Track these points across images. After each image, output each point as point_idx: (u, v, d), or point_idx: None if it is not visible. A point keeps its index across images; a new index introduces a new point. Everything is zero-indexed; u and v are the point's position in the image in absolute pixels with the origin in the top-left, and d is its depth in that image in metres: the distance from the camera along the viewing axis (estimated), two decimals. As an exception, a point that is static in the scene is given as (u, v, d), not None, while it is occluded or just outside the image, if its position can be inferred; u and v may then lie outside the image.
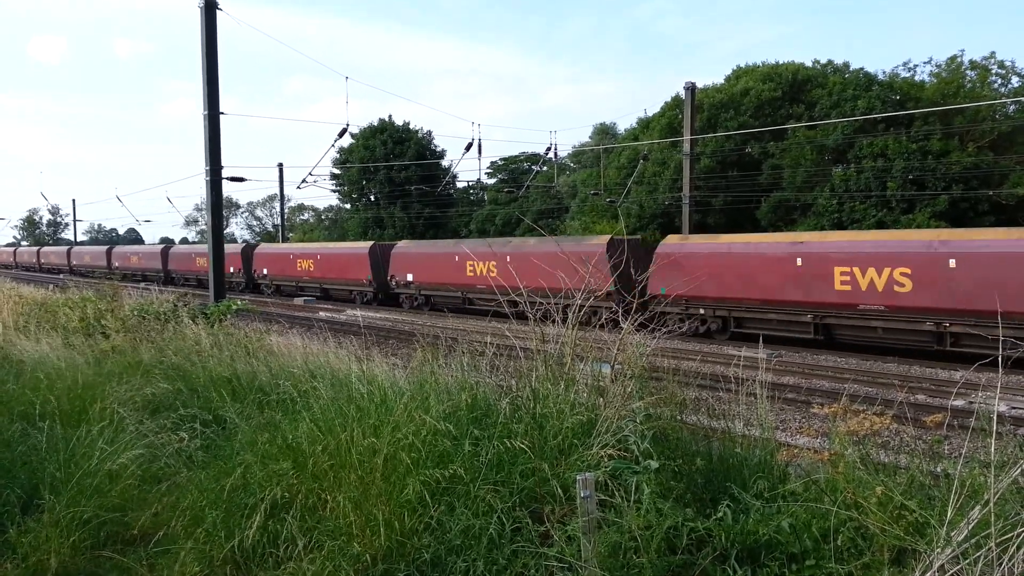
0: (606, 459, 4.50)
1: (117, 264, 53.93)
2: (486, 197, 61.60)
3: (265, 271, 40.41)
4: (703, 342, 20.66)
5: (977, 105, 30.51)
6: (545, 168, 55.13)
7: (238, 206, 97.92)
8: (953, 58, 35.14)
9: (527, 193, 50.72)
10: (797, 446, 7.12)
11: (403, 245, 33.99)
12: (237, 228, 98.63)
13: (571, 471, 4.48)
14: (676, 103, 38.96)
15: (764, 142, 35.39)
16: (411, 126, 58.62)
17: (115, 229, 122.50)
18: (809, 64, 38.17)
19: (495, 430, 4.96)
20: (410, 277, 31.20)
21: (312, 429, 5.45)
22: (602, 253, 21.55)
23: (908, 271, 17.28)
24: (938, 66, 35.80)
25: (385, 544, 4.38)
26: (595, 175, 43.29)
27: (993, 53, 42.53)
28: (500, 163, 64.28)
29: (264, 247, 44.46)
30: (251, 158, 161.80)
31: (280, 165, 50.45)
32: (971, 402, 11.04)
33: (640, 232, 36.31)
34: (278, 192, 56.94)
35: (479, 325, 17.15)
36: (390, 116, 58.58)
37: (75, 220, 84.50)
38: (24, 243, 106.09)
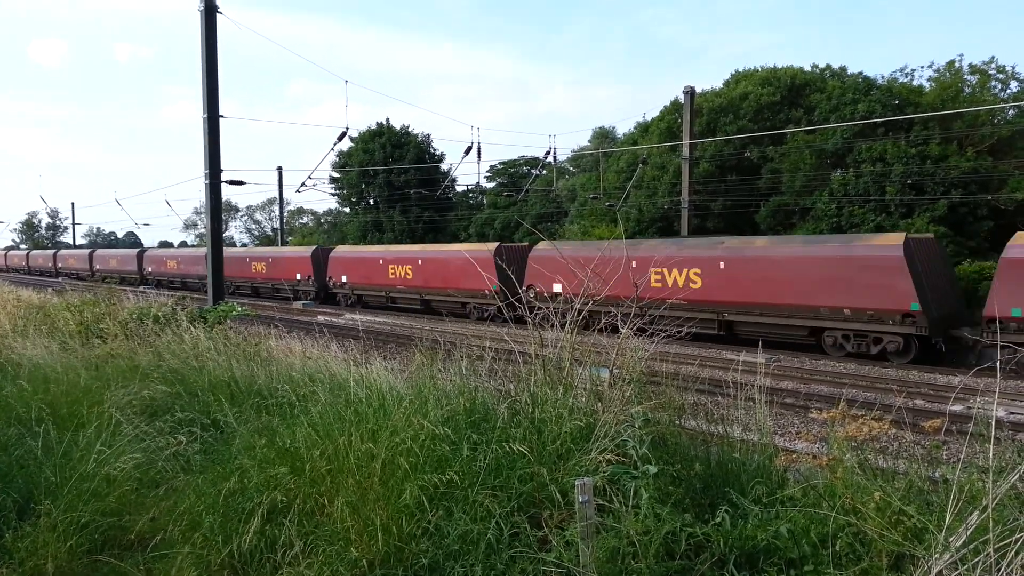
0: (604, 464, 4.49)
1: (98, 267, 57.97)
2: (485, 201, 61.58)
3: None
4: (702, 346, 20.70)
5: (976, 110, 30.54)
6: (544, 172, 55.20)
7: (237, 209, 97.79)
8: (952, 63, 35.21)
9: (526, 197, 50.75)
10: (795, 451, 7.13)
11: (339, 249, 38.39)
12: (236, 232, 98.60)
13: (569, 476, 4.47)
14: (675, 107, 38.99)
15: (763, 146, 35.43)
16: (410, 130, 58.67)
17: (114, 232, 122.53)
18: (807, 69, 38.25)
19: (493, 435, 4.95)
20: (344, 278, 35.46)
21: (310, 433, 5.44)
22: (490, 258, 25.77)
23: (699, 271, 21.45)
24: (937, 71, 35.87)
25: (383, 549, 4.38)
26: (594, 179, 43.31)
27: (993, 58, 42.73)
28: (499, 167, 64.35)
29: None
30: (251, 161, 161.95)
31: (279, 169, 50.51)
32: (969, 407, 11.05)
33: (638, 236, 36.37)
34: (277, 195, 57.01)
35: (477, 329, 17.12)
36: (389, 120, 58.62)
37: (74, 223, 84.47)
38: (23, 247, 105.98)
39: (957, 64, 35.07)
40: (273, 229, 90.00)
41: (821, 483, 4.26)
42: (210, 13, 16.64)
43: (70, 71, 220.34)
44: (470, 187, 62.22)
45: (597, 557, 3.84)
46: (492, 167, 64.45)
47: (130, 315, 12.00)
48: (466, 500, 4.49)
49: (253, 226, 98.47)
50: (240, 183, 23.21)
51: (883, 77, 36.15)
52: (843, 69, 37.61)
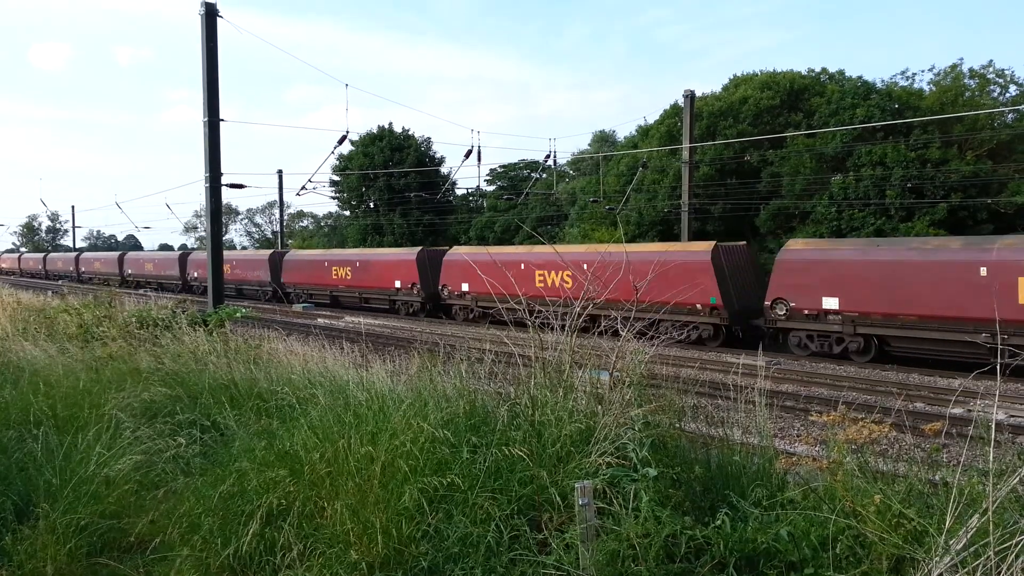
0: (604, 467, 4.48)
1: (84, 269, 61.59)
2: (485, 204, 61.56)
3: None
4: (701, 349, 20.72)
5: (976, 114, 30.55)
6: (544, 175, 55.27)
7: (237, 212, 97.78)
8: (953, 66, 35.24)
9: (526, 200, 50.73)
10: (796, 454, 7.12)
11: (292, 253, 41.93)
12: (236, 235, 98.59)
13: (569, 479, 4.47)
14: (675, 111, 39.04)
15: (763, 150, 35.45)
16: (410, 133, 58.72)
17: (114, 235, 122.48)
18: (805, 72, 38.30)
19: (493, 437, 4.95)
20: (297, 279, 39.43)
21: (309, 436, 5.44)
22: (412, 262, 31.19)
23: (570, 274, 23.11)
24: (937, 75, 35.91)
25: (383, 552, 4.37)
26: (594, 182, 43.32)
27: (992, 61, 42.75)
28: (499, 170, 64.31)
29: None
30: (251, 165, 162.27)
31: (280, 172, 50.53)
32: (969, 410, 11.04)
33: (639, 239, 36.42)
34: (277, 199, 57.03)
35: (477, 332, 17.08)
36: (390, 123, 58.87)
37: (74, 226, 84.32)
38: (23, 249, 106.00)
39: (957, 68, 35.13)
40: (273, 232, 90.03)
41: (821, 486, 4.25)
42: (211, 17, 16.68)
43: (71, 74, 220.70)
44: (470, 190, 62.25)
45: (597, 560, 3.83)
46: (492, 170, 64.44)
47: (130, 318, 12.00)
48: (466, 503, 4.48)
49: (253, 229, 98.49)
50: (240, 186, 23.16)
51: (883, 81, 36.20)
52: (841, 72, 37.69)
